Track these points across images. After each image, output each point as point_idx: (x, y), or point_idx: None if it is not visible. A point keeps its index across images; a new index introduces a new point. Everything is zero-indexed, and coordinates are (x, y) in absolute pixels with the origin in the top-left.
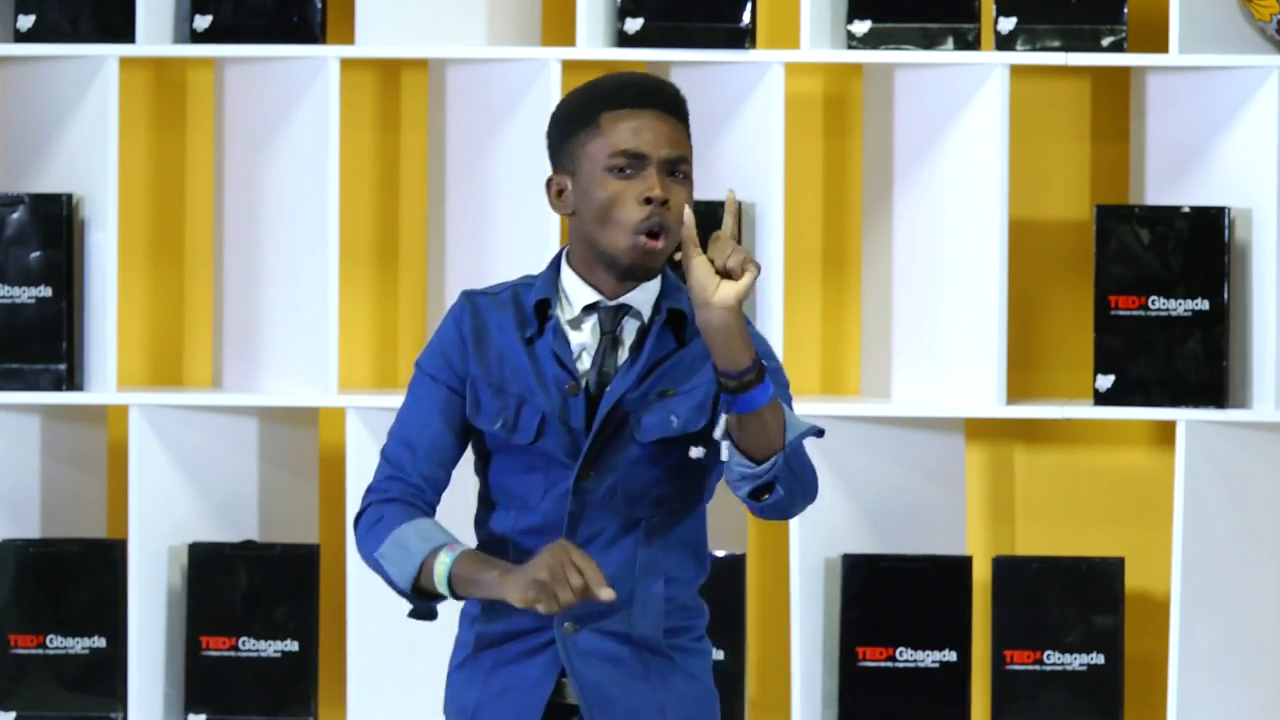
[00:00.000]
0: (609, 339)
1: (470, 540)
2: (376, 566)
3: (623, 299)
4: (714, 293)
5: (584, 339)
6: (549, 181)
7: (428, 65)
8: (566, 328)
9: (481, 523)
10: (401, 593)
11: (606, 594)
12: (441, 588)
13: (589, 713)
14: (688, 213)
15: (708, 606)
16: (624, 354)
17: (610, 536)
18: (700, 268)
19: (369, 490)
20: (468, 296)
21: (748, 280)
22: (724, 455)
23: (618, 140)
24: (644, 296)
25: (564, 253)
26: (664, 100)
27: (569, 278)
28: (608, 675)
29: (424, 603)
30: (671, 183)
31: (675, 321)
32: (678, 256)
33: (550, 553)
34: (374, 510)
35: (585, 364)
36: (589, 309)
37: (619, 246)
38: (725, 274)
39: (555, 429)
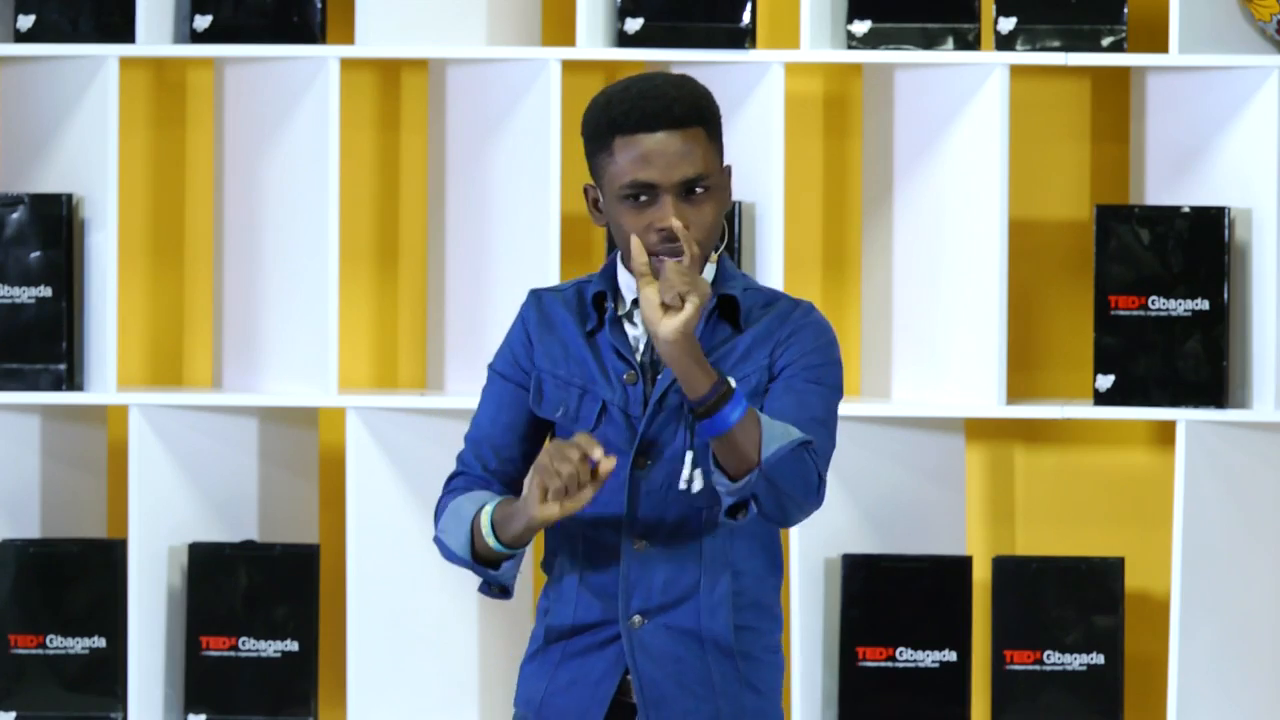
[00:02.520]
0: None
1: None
2: (441, 548)
3: None
4: (657, 325)
5: (638, 331)
6: (586, 190)
7: (428, 65)
8: (624, 321)
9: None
10: (465, 564)
11: (601, 456)
12: (488, 537)
13: (644, 710)
14: (635, 242)
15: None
16: None
17: (671, 527)
18: (645, 301)
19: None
20: (534, 294)
21: (686, 313)
22: (682, 481)
23: (628, 171)
24: None
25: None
26: (673, 117)
27: (622, 272)
28: (669, 674)
29: (489, 568)
30: (688, 204)
31: (730, 308)
32: (713, 258)
33: (546, 446)
34: (440, 504)
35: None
36: (637, 301)
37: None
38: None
39: (615, 418)
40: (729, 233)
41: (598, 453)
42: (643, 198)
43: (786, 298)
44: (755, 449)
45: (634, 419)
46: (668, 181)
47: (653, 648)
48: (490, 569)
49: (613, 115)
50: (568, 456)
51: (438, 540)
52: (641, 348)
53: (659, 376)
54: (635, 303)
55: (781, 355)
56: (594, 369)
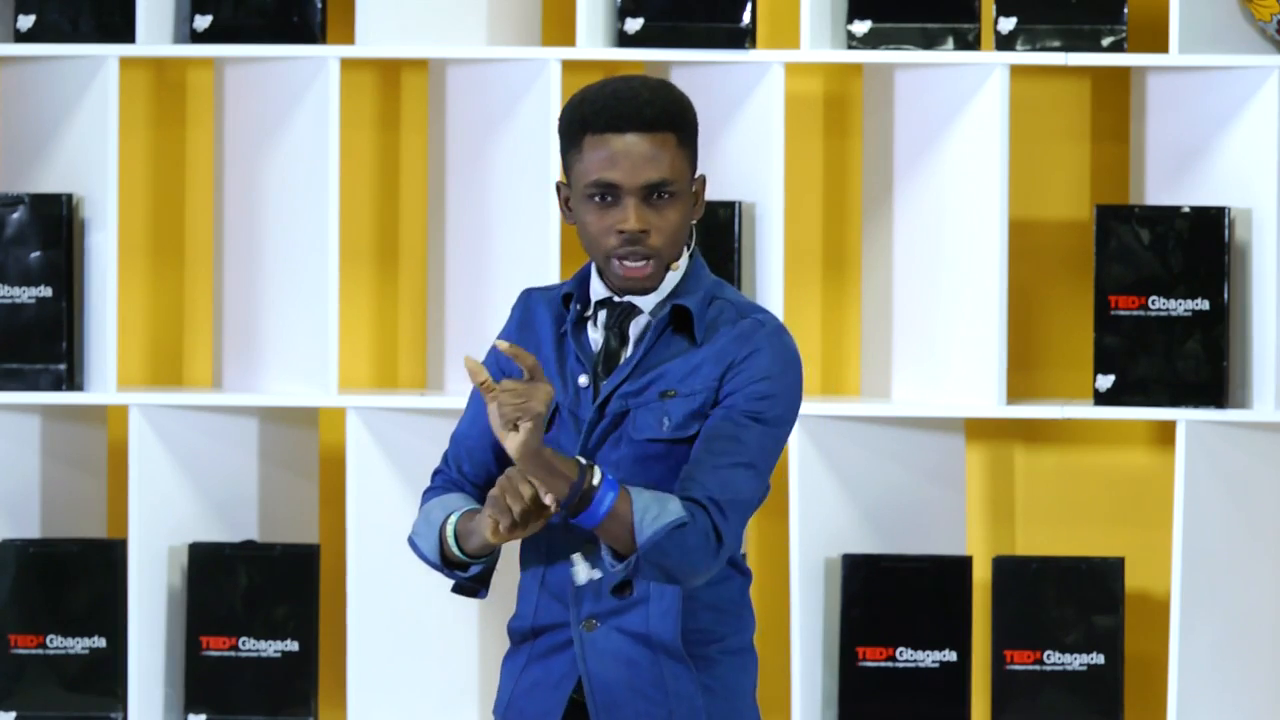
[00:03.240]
0: (613, 334)
1: None
2: (414, 549)
3: (629, 297)
4: (503, 442)
5: (598, 334)
6: (558, 187)
7: (428, 65)
8: (587, 324)
9: None
10: (435, 567)
11: (551, 500)
12: (453, 547)
13: (596, 713)
14: (470, 363)
15: (754, 619)
16: (629, 350)
17: None
18: (490, 415)
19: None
20: (525, 293)
21: (521, 437)
22: (574, 576)
23: (593, 170)
24: (651, 296)
25: None
26: (643, 120)
27: (594, 274)
28: (621, 677)
29: (458, 571)
30: (650, 209)
31: (683, 320)
32: (675, 266)
33: (503, 475)
34: (422, 499)
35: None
36: (600, 304)
37: (607, 268)
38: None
39: (566, 421)
40: (734, 238)
41: (549, 498)
42: (607, 198)
43: (755, 316)
44: (626, 539)
45: (583, 422)
46: (631, 184)
47: (606, 651)
48: (461, 570)
49: (584, 113)
50: (520, 494)
51: (411, 542)
52: (596, 351)
53: (603, 383)
54: (599, 304)
55: (732, 379)
56: (555, 371)
